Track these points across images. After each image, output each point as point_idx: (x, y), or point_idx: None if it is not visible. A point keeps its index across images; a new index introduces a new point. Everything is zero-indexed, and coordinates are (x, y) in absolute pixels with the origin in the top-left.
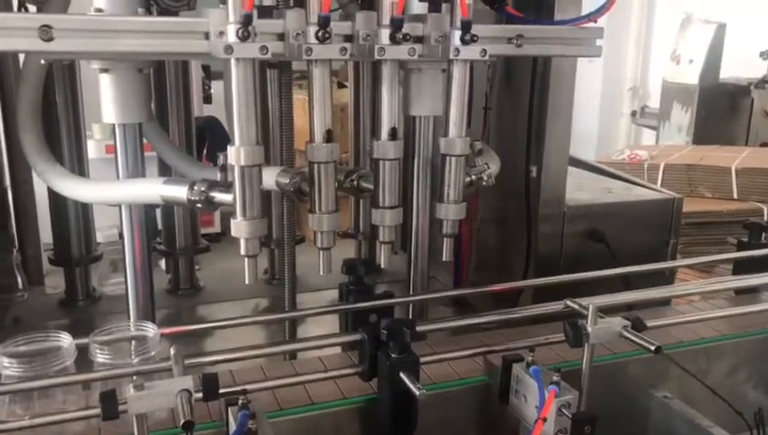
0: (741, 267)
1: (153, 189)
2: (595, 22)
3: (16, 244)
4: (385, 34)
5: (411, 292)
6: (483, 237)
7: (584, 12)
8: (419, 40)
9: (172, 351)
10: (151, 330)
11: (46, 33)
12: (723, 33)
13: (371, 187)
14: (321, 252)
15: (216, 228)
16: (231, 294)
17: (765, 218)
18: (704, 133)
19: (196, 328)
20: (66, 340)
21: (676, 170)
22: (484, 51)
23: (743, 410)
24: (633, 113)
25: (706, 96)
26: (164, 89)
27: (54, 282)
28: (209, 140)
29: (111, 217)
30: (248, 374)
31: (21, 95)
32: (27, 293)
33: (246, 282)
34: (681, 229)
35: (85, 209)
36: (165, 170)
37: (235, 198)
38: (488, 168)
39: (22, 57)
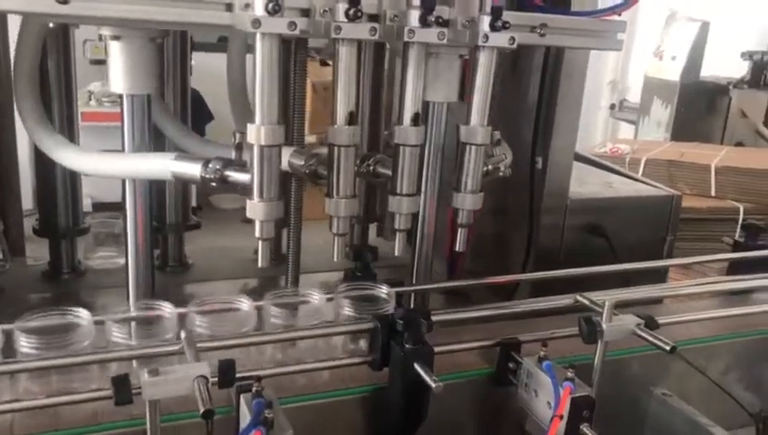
0: (736, 268)
1: (163, 165)
2: (619, 15)
3: None
4: (415, 16)
5: (414, 280)
6: (481, 226)
7: (600, 5)
8: (447, 23)
9: (183, 334)
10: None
11: None
12: (706, 31)
13: (389, 172)
14: (336, 238)
15: (192, 202)
16: (220, 273)
17: (741, 217)
18: (682, 130)
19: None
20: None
21: (658, 165)
22: (513, 39)
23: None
24: (612, 106)
25: (687, 93)
26: (162, 60)
27: (36, 253)
28: (197, 113)
29: (86, 186)
30: (253, 360)
31: (18, 63)
32: (8, 263)
33: (260, 265)
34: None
35: (73, 179)
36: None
37: (252, 179)
38: (506, 158)
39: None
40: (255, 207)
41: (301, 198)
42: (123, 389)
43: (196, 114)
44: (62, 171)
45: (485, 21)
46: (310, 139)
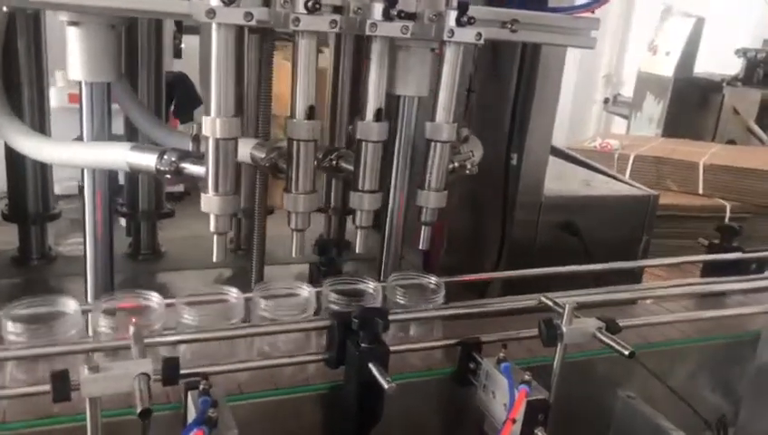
0: (709, 269)
1: (119, 155)
2: (593, 12)
3: None
4: (378, 9)
5: (382, 274)
6: (457, 221)
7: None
8: (412, 17)
9: (132, 329)
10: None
11: None
12: (701, 27)
13: (350, 168)
14: (294, 233)
15: (180, 187)
16: (194, 262)
17: (728, 216)
18: (674, 126)
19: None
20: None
21: (646, 162)
22: (480, 34)
23: (703, 414)
24: (605, 100)
25: (680, 89)
26: (135, 44)
27: (6, 237)
28: (177, 97)
29: (72, 169)
30: (209, 354)
31: None
32: None
33: (215, 259)
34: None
35: (44, 165)
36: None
37: (207, 172)
38: (473, 155)
39: None
40: (210, 201)
41: (265, 189)
42: (62, 385)
43: (184, 99)
44: None
45: (452, 16)
46: None
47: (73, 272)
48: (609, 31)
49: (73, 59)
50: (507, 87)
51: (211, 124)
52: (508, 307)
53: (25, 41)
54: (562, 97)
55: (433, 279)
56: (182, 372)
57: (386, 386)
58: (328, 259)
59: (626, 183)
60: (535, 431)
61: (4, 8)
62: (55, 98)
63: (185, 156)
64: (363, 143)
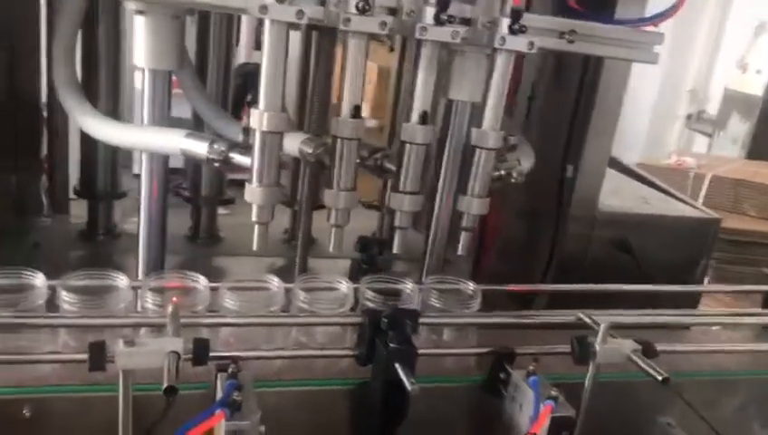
0: None
1: (174, 141)
2: (656, 26)
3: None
4: (430, 13)
5: (424, 277)
6: (510, 229)
7: (649, 13)
8: (466, 22)
9: (170, 308)
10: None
11: None
12: None
13: (394, 168)
14: (333, 229)
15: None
16: (249, 249)
17: None
18: (759, 148)
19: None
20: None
21: (723, 184)
22: (532, 43)
23: None
24: (688, 117)
25: None
26: (206, 35)
27: (80, 211)
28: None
29: None
30: (248, 340)
31: (57, 29)
32: (51, 219)
33: (254, 248)
34: (717, 245)
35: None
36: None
37: (252, 163)
38: (519, 164)
39: None
40: (254, 192)
41: (314, 183)
42: (98, 356)
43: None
44: None
45: (505, 23)
46: (370, 124)
47: (135, 249)
48: (698, 44)
49: (138, 46)
50: (568, 97)
51: (258, 117)
52: (543, 321)
53: (104, 27)
54: (641, 110)
55: (471, 285)
56: (214, 354)
57: (409, 387)
58: (369, 257)
59: (688, 204)
60: None
61: None
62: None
63: (233, 146)
64: (407, 145)
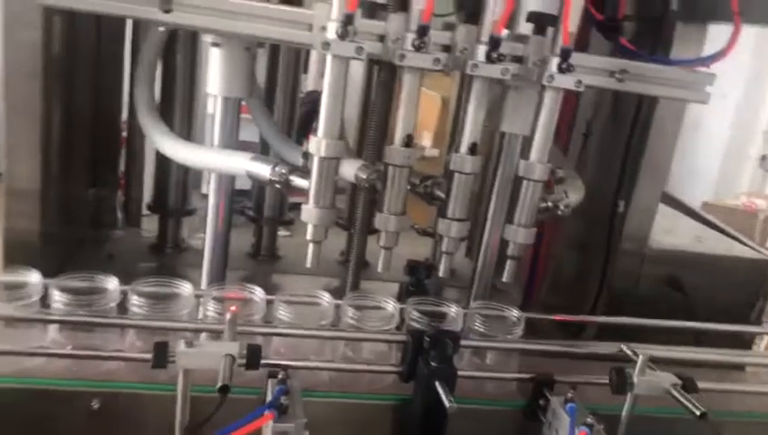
0: None
1: (241, 163)
2: (707, 67)
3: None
4: (481, 51)
5: (471, 302)
6: (562, 260)
7: (705, 52)
8: (518, 60)
9: (228, 315)
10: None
11: (166, 4)
12: None
13: (443, 196)
14: (382, 250)
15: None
16: (305, 268)
17: None
18: None
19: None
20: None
21: None
22: (580, 81)
23: None
24: (763, 158)
25: None
26: (276, 64)
27: (151, 226)
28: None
29: None
30: (298, 350)
31: (141, 55)
32: (124, 232)
33: (308, 265)
34: None
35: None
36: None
37: (310, 186)
38: (566, 197)
39: None
40: (310, 212)
41: (368, 207)
42: (161, 354)
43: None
44: None
45: (554, 62)
46: (433, 153)
47: (199, 263)
48: None
49: (213, 76)
50: (622, 132)
51: (317, 144)
52: (585, 351)
53: (182, 57)
54: (712, 149)
55: (515, 312)
56: (266, 361)
57: (447, 405)
58: (417, 280)
59: (746, 244)
60: None
61: (161, 28)
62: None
63: (294, 169)
64: (456, 174)
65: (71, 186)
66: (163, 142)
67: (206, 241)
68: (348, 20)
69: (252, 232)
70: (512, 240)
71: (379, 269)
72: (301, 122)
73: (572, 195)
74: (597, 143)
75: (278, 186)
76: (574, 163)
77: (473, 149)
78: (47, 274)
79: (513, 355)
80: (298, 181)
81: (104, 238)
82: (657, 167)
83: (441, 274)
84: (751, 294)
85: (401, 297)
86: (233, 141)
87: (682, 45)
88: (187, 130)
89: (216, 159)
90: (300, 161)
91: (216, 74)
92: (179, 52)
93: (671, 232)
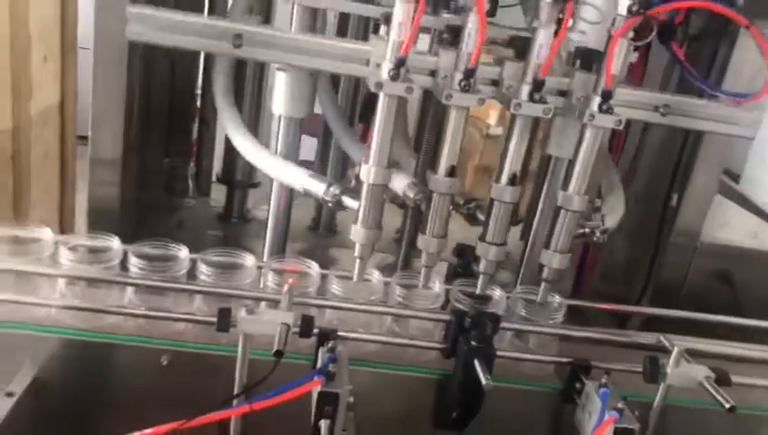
0: None
1: (298, 178)
2: (738, 103)
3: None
4: (525, 90)
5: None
6: (614, 249)
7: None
8: (563, 93)
9: (285, 287)
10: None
11: (237, 39)
12: None
13: (483, 219)
14: (423, 269)
15: None
16: None
17: None
18: None
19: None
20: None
21: None
22: (620, 121)
23: None
24: None
25: None
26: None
27: (219, 196)
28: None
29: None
30: (348, 322)
31: None
32: (194, 201)
33: (354, 280)
34: None
35: None
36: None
37: (359, 209)
38: (602, 224)
39: None
40: (358, 232)
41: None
42: (224, 319)
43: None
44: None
45: (596, 101)
46: (497, 131)
47: (262, 234)
48: None
49: (278, 97)
50: None
51: (367, 171)
52: (623, 340)
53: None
54: None
55: (557, 298)
56: (318, 331)
57: (483, 382)
58: (464, 263)
59: None
60: None
61: None
62: None
63: (346, 190)
64: (496, 202)
65: (148, 155)
66: (235, 134)
67: (270, 215)
68: (400, 63)
69: (313, 207)
70: (547, 265)
71: (421, 285)
72: (364, 104)
73: (610, 219)
74: (654, 135)
75: (330, 205)
76: (632, 153)
77: (513, 181)
78: (123, 237)
79: (554, 340)
80: (349, 202)
81: (175, 206)
82: (712, 160)
83: (478, 291)
84: None
85: (449, 278)
86: (292, 156)
87: (738, 67)
88: (255, 120)
89: (276, 168)
90: (356, 154)
91: (280, 95)
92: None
93: (727, 226)
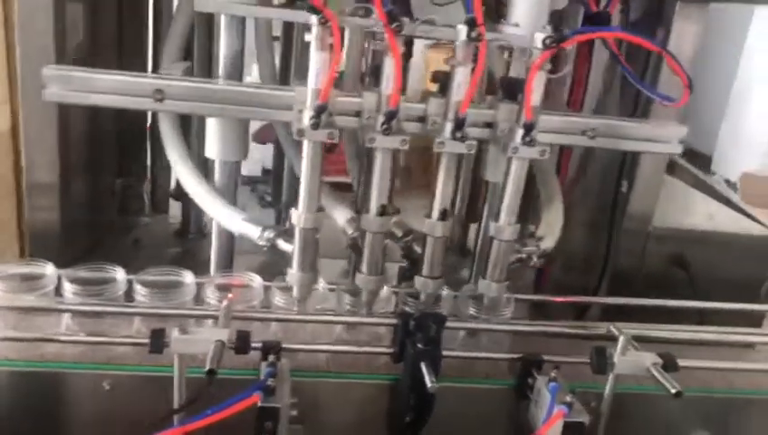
0: None
1: (233, 222)
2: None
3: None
4: (448, 128)
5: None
6: (575, 241)
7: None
8: (489, 125)
9: (224, 303)
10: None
11: (158, 94)
12: None
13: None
14: (365, 305)
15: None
16: (325, 252)
17: None
18: None
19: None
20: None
21: None
22: (545, 151)
23: None
24: None
25: None
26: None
27: (178, 212)
28: None
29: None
30: (293, 334)
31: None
32: (151, 219)
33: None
34: None
35: None
36: None
37: (293, 253)
38: (538, 249)
39: None
40: (293, 276)
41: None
42: (157, 340)
43: None
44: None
45: (519, 133)
46: None
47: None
48: None
49: (210, 141)
50: (624, 112)
51: (298, 217)
52: (577, 332)
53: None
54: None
55: (506, 295)
56: (257, 345)
57: (429, 384)
58: (413, 263)
59: (760, 223)
60: None
61: None
62: None
63: (281, 234)
64: (428, 237)
65: (98, 176)
66: (179, 167)
67: (213, 231)
68: (320, 110)
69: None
70: (486, 294)
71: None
72: None
73: (547, 240)
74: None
75: (265, 249)
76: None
77: (443, 216)
78: (73, 261)
79: (505, 336)
80: (283, 246)
81: (131, 225)
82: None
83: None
84: (760, 271)
85: (400, 280)
86: (229, 198)
87: (683, 28)
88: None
89: (213, 210)
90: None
91: (212, 140)
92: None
93: (683, 210)
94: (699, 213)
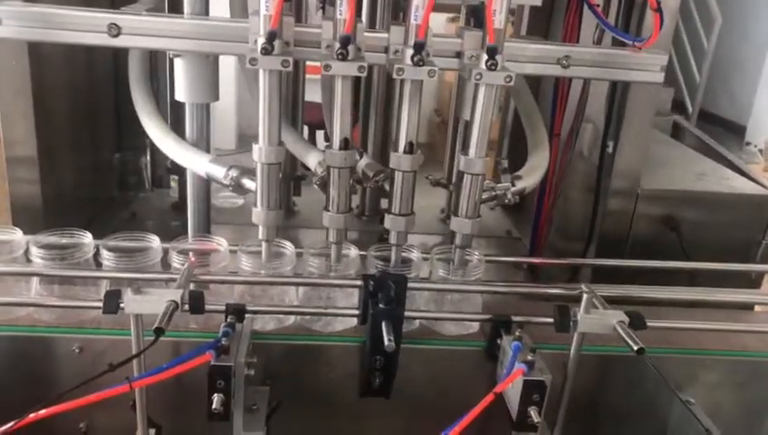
0: None
1: (201, 163)
2: (639, 49)
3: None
4: (408, 54)
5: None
6: (569, 205)
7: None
8: (457, 55)
9: (185, 265)
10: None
11: (113, 29)
12: None
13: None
14: (333, 246)
15: None
16: (319, 223)
17: None
18: None
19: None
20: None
21: None
22: (510, 77)
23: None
24: None
25: None
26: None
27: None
28: None
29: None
30: (259, 297)
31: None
32: (151, 193)
33: (263, 262)
34: None
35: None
36: None
37: (256, 190)
38: (513, 186)
39: None
40: (258, 214)
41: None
42: (111, 301)
43: None
44: None
45: (483, 59)
46: None
47: (218, 221)
48: None
49: (179, 84)
50: None
51: (258, 152)
52: (551, 293)
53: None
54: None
55: (475, 256)
56: (212, 307)
57: (386, 343)
58: None
59: (752, 180)
60: (529, 410)
61: None
62: None
63: (245, 173)
64: (396, 172)
65: (93, 151)
66: (147, 121)
67: (189, 197)
68: (271, 37)
69: None
70: (458, 231)
71: (333, 261)
72: None
73: (525, 180)
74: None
75: (230, 188)
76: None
77: (410, 148)
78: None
79: (476, 297)
80: (248, 184)
81: (131, 199)
82: (644, 104)
83: (392, 265)
84: (751, 231)
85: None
86: (203, 141)
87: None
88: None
89: (184, 156)
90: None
91: (180, 82)
92: None
93: (673, 169)
94: (691, 174)
